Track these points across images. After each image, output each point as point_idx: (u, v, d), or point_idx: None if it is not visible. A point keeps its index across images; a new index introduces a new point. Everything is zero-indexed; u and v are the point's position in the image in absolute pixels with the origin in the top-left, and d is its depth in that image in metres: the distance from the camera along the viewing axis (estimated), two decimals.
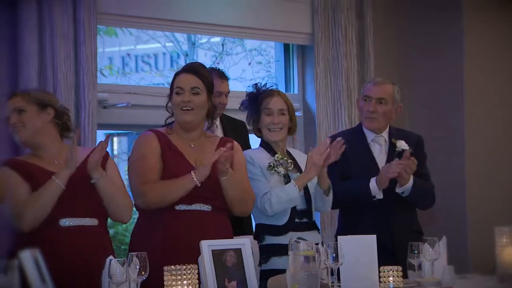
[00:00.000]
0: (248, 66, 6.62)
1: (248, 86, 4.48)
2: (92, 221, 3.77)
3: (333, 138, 4.35)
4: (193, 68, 4.07)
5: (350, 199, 4.59)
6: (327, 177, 4.31)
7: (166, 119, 4.11)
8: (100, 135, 5.45)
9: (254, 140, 4.79)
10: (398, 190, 4.59)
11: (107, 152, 3.92)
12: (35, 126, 3.80)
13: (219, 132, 4.69)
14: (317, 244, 3.68)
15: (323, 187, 4.31)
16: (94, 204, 3.77)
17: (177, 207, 3.93)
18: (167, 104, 4.06)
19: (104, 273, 3.36)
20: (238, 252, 3.54)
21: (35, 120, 3.80)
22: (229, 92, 4.97)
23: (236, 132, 4.78)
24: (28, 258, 3.16)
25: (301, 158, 4.43)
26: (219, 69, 5.06)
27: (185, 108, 3.99)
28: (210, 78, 4.08)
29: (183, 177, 3.89)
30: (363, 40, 6.20)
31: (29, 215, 3.65)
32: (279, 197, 4.19)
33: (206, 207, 3.98)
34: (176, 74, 4.07)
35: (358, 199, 4.60)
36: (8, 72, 4.79)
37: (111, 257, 3.33)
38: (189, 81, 4.01)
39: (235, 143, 4.15)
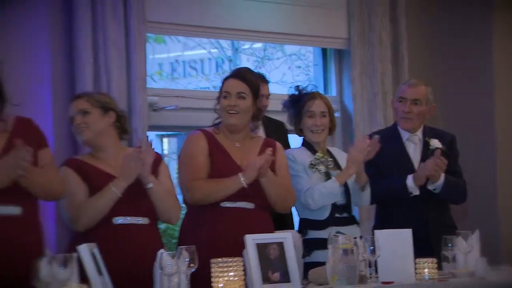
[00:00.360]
0: (288, 70, 6.61)
1: (290, 87, 4.50)
2: (144, 220, 3.76)
3: (370, 136, 4.37)
4: (240, 74, 4.08)
5: (388, 195, 4.58)
6: (364, 173, 4.31)
7: (214, 120, 4.13)
8: (151, 136, 5.49)
9: (293, 140, 4.81)
10: (430, 186, 4.58)
11: (160, 156, 3.93)
12: (98, 128, 3.78)
13: (261, 133, 4.70)
14: (355, 238, 3.69)
15: (360, 182, 4.31)
16: (146, 204, 3.76)
17: (222, 204, 3.95)
18: (215, 106, 4.09)
19: (156, 265, 3.39)
20: (280, 245, 3.55)
21: (98, 123, 3.78)
22: (269, 94, 4.98)
23: (276, 133, 4.79)
24: (85, 251, 3.21)
25: (340, 156, 4.44)
26: (260, 73, 5.07)
27: (231, 112, 4.01)
28: (256, 84, 4.08)
29: (231, 178, 3.91)
30: (397, 44, 6.18)
31: (84, 219, 3.65)
32: (321, 192, 4.21)
33: (250, 205, 3.99)
34: (225, 79, 4.09)
35: (396, 196, 4.59)
36: (65, 78, 4.84)
37: (162, 250, 3.36)
38: (236, 86, 4.02)
39: (277, 143, 4.17)
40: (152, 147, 3.77)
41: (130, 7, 4.98)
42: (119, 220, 3.69)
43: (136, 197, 3.71)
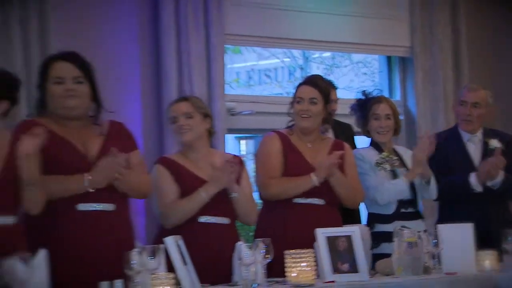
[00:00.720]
0: (355, 76, 6.57)
1: (357, 92, 4.49)
2: (225, 220, 3.76)
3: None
4: (312, 81, 4.10)
5: (451, 191, 4.52)
6: (428, 169, 4.26)
7: (288, 123, 4.14)
8: (229, 139, 5.54)
9: (360, 141, 4.78)
10: (488, 183, 4.52)
11: (242, 160, 3.93)
12: (199, 132, 3.78)
13: (330, 134, 4.69)
14: (419, 231, 3.65)
15: (425, 177, 4.27)
16: (227, 206, 3.75)
17: (295, 200, 3.96)
18: (289, 110, 4.09)
19: (234, 256, 3.41)
20: (348, 238, 3.53)
21: (199, 127, 3.78)
22: (338, 99, 4.96)
23: (344, 134, 4.77)
24: (171, 243, 3.24)
25: (406, 154, 4.41)
26: (329, 79, 5.04)
27: (304, 116, 4.02)
28: (327, 90, 4.09)
29: (304, 177, 3.91)
30: (457, 52, 6.08)
31: (173, 219, 3.66)
32: (388, 189, 4.20)
33: (320, 201, 3.98)
34: (298, 85, 4.11)
35: (458, 192, 4.54)
36: (152, 86, 4.91)
37: (240, 241, 3.37)
38: (308, 92, 4.03)
39: (346, 145, 4.17)
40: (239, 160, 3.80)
41: (210, 21, 5.03)
42: (203, 219, 3.70)
43: (219, 199, 3.71)
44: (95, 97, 3.48)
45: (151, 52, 4.92)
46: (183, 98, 3.89)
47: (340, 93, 5.12)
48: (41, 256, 2.92)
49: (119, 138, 3.50)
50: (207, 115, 3.84)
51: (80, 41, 4.44)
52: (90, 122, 3.50)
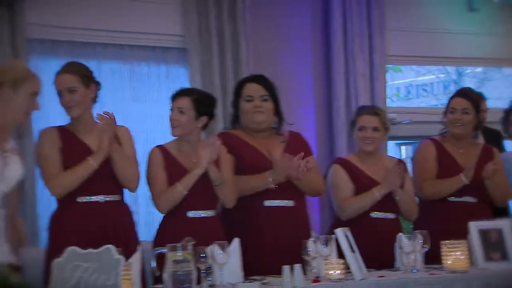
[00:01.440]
0: (505, 88, 6.32)
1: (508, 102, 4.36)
2: (392, 215, 3.71)
3: None
4: (464, 93, 4.02)
5: None
6: None
7: (441, 130, 4.07)
8: (390, 145, 5.52)
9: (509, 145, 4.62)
10: None
11: (406, 165, 3.88)
12: (381, 143, 3.81)
13: (481, 139, 4.55)
14: None
15: None
16: (394, 204, 3.71)
17: (450, 199, 3.88)
18: (443, 119, 4.03)
19: (396, 245, 3.40)
20: (499, 231, 3.42)
21: (382, 138, 3.79)
22: (487, 109, 4.80)
23: (493, 139, 4.60)
24: (341, 234, 3.28)
25: None
26: (478, 91, 4.89)
27: (457, 124, 3.95)
28: (477, 101, 3.99)
29: (455, 177, 3.84)
30: None
31: (349, 213, 3.66)
32: None
33: (473, 199, 3.89)
34: (451, 97, 4.04)
35: None
36: (323, 101, 5.00)
37: (400, 233, 3.36)
38: (461, 103, 3.96)
39: (495, 149, 4.05)
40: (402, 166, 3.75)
41: (373, 45, 5.05)
42: (374, 215, 3.70)
43: (388, 197, 3.70)
44: (277, 112, 3.61)
45: (323, 73, 5.02)
46: (374, 112, 3.83)
47: (491, 103, 4.96)
48: (235, 244, 3.04)
49: (297, 145, 3.61)
50: (388, 129, 3.83)
51: (266, 66, 4.61)
52: (273, 133, 3.63)
